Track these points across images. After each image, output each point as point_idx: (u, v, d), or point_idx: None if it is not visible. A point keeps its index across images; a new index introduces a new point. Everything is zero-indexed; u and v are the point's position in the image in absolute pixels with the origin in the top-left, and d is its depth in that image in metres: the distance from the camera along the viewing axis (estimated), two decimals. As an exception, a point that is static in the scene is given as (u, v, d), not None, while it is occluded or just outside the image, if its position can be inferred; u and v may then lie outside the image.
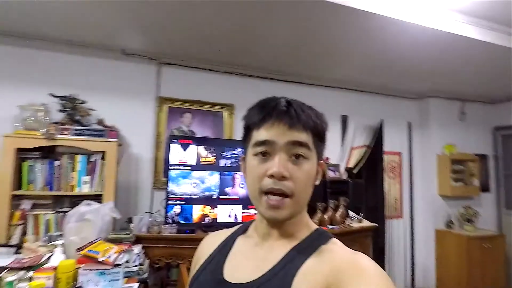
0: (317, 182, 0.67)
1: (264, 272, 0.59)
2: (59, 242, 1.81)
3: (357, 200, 3.24)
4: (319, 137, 0.65)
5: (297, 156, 0.61)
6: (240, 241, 0.71)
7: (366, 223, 3.04)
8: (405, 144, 4.01)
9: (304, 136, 0.61)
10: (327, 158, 3.36)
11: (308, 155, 0.62)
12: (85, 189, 2.32)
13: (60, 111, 2.46)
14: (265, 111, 0.62)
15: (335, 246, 0.62)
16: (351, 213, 3.05)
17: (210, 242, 0.75)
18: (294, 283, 0.54)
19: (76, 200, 2.26)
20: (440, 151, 3.89)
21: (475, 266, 3.45)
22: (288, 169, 0.59)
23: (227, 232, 0.76)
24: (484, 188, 4.08)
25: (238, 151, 2.66)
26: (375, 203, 3.72)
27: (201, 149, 2.59)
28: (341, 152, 3.59)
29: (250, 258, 0.65)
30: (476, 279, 3.43)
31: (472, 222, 3.75)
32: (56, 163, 2.30)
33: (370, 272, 0.52)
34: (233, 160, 2.66)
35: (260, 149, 0.62)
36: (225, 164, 2.64)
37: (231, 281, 0.61)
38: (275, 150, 0.60)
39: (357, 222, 3.00)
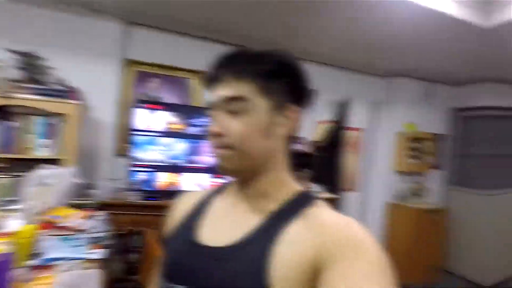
0: (290, 132, 0.61)
1: (241, 236, 0.56)
2: (16, 207, 1.75)
3: (319, 172, 3.37)
4: (268, 81, 0.58)
5: (235, 111, 0.58)
6: (216, 202, 0.67)
7: (326, 195, 3.21)
8: (367, 121, 4.17)
9: (238, 89, 0.57)
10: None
11: (247, 107, 0.57)
12: (44, 153, 2.21)
13: (18, 68, 2.27)
14: (208, 73, 0.62)
15: (321, 209, 0.57)
16: (313, 185, 3.19)
17: (186, 202, 0.72)
18: (277, 252, 0.51)
19: (34, 164, 2.16)
20: (401, 129, 4.08)
21: (420, 236, 3.78)
22: (224, 125, 0.58)
23: (203, 191, 0.74)
24: (436, 166, 4.39)
25: (207, 119, 2.63)
26: (334, 176, 3.90)
27: (169, 116, 2.54)
28: (308, 126, 3.67)
29: (227, 219, 0.62)
30: (421, 248, 3.78)
31: (420, 196, 4.08)
32: (13, 124, 2.16)
33: (366, 246, 0.49)
34: (202, 128, 2.64)
35: (209, 112, 0.63)
36: (194, 132, 2.61)
37: (206, 243, 0.59)
38: (214, 110, 0.61)
39: (318, 194, 3.15)
